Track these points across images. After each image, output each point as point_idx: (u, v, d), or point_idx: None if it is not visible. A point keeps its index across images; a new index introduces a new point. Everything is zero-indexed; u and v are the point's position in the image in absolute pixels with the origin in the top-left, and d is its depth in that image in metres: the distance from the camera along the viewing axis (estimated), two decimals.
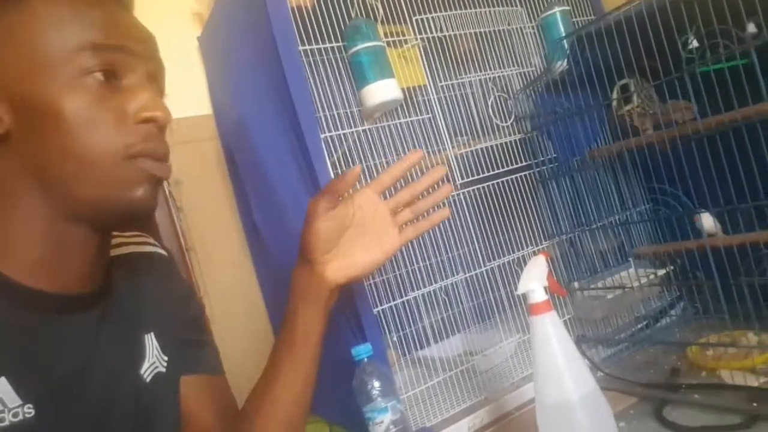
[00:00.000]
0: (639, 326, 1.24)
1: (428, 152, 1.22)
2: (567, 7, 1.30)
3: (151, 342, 0.68)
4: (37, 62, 0.52)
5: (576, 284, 1.22)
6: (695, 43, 0.93)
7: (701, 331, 1.14)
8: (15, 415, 0.51)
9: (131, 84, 0.56)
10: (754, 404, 0.84)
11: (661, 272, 1.18)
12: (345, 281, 0.77)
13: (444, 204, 0.82)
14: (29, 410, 0.52)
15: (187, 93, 1.46)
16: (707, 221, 1.06)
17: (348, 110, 1.11)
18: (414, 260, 1.29)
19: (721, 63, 0.89)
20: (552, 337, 0.71)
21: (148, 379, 0.65)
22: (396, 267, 1.20)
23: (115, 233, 0.71)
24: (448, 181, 1.12)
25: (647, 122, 1.15)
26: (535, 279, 0.72)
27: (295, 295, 0.76)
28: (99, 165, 0.54)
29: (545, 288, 0.73)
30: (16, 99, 0.53)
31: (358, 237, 0.77)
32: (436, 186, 0.82)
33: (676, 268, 1.18)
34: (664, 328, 1.25)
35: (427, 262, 1.31)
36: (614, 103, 1.21)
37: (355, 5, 1.08)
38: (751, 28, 0.89)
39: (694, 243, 1.06)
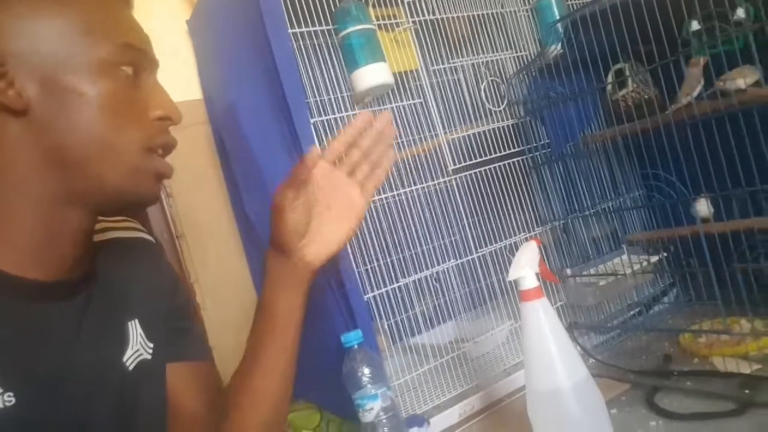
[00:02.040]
0: (631, 313, 1.24)
1: (420, 138, 1.21)
2: None
3: (134, 329, 0.67)
4: (77, 47, 0.55)
5: (569, 271, 1.22)
6: (695, 26, 0.92)
7: (694, 317, 1.13)
8: None
9: (148, 84, 0.60)
10: (747, 391, 0.83)
11: (654, 259, 1.18)
12: (326, 260, 0.76)
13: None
14: (9, 398, 0.51)
15: (176, 77, 1.44)
16: (702, 206, 1.05)
17: (339, 95, 1.10)
18: (406, 247, 1.28)
19: (717, 47, 0.88)
20: (543, 324, 0.71)
21: (131, 367, 0.64)
22: (388, 254, 1.19)
23: (100, 218, 0.70)
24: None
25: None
26: (525, 265, 0.71)
27: (274, 282, 0.74)
28: (121, 152, 0.57)
29: (536, 274, 0.72)
30: (47, 78, 0.54)
31: (326, 212, 0.75)
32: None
33: (669, 254, 1.18)
34: (656, 314, 1.25)
35: (419, 249, 1.30)
36: (609, 88, 1.19)
37: None
38: (741, 12, 0.88)
39: (688, 229, 1.05)
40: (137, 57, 0.59)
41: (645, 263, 1.16)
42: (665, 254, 1.18)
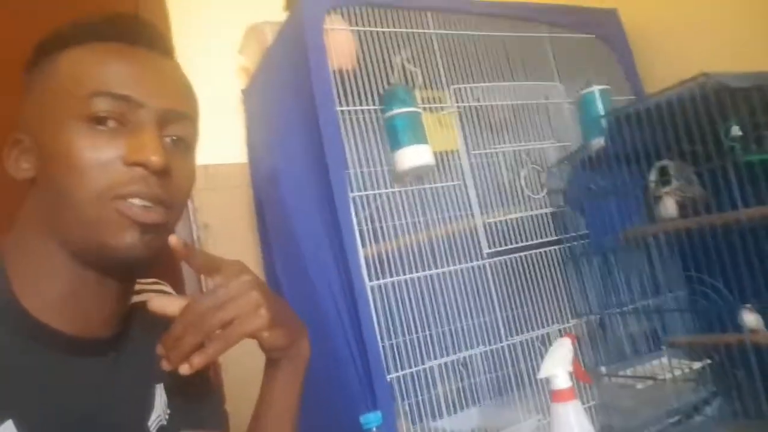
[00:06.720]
0: (671, 421, 1.16)
1: (457, 218, 1.20)
2: (607, 86, 1.30)
3: (160, 393, 0.66)
4: (52, 109, 0.55)
5: (603, 369, 1.16)
6: (737, 132, 0.91)
7: None
8: None
9: (136, 128, 0.56)
10: None
11: (696, 365, 1.12)
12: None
13: None
14: None
15: (226, 141, 1.50)
16: (749, 316, 1.00)
17: (380, 169, 1.11)
18: (434, 328, 1.25)
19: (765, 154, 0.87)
20: (574, 428, 0.67)
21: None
22: (415, 332, 1.16)
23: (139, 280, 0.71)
24: None
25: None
26: (559, 364, 0.68)
27: (275, 385, 0.67)
28: (82, 205, 0.54)
29: (570, 373, 0.69)
30: (39, 146, 0.56)
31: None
32: None
33: (713, 362, 1.11)
34: (698, 425, 1.16)
35: (449, 329, 1.27)
36: (651, 185, 1.18)
37: (395, 71, 1.09)
38: None
39: (734, 337, 1.00)
40: (115, 104, 0.55)
41: (687, 369, 1.10)
42: (708, 361, 1.11)
